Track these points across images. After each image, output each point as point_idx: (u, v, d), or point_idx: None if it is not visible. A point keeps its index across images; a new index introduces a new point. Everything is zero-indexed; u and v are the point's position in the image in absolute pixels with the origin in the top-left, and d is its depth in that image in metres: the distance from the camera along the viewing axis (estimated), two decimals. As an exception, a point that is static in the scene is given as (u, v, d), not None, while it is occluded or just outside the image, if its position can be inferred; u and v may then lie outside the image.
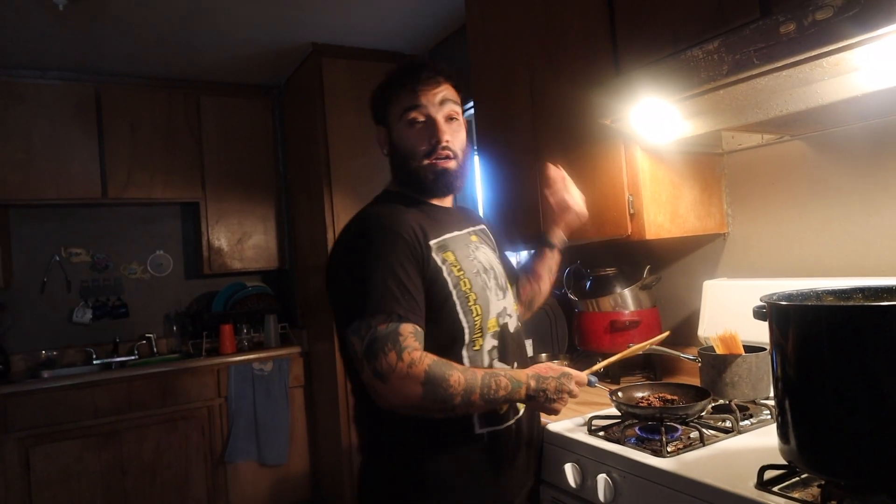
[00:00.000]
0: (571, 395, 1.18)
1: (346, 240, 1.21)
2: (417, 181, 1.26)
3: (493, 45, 2.19)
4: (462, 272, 1.20)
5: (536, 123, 2.00)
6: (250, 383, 3.28)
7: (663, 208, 1.69)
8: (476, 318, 1.19)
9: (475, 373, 1.10)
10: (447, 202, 1.34)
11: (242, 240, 3.73)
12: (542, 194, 1.54)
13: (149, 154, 3.45)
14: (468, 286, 1.19)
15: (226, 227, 3.68)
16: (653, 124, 1.53)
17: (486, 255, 1.30)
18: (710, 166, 1.81)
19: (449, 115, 1.25)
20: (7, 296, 3.29)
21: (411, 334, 1.08)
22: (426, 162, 1.24)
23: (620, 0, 1.61)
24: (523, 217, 2.08)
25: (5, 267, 3.18)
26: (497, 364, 1.23)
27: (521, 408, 1.28)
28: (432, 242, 1.18)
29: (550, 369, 1.18)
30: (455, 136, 1.26)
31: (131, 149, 3.40)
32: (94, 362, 3.40)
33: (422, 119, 1.23)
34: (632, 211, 1.66)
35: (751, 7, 1.24)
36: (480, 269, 1.24)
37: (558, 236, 1.58)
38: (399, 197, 1.28)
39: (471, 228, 1.33)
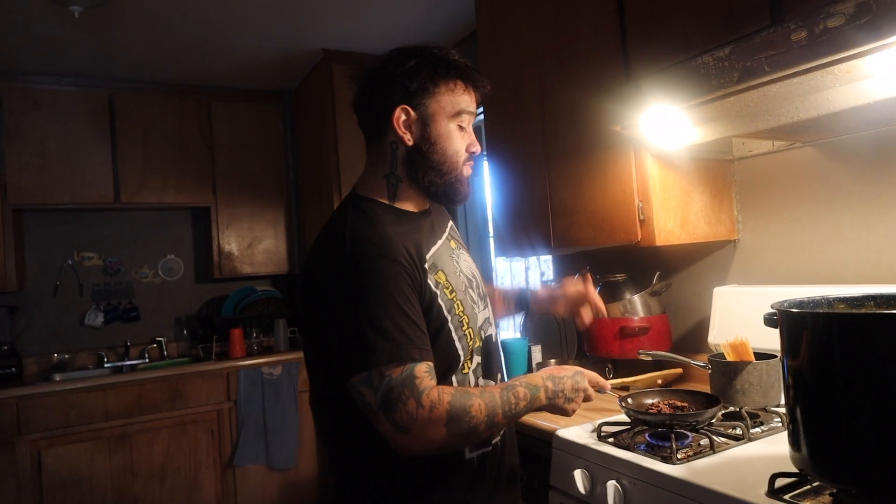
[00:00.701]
0: (587, 394, 1.16)
1: (333, 268, 1.05)
2: (444, 186, 1.16)
3: (503, 50, 2.20)
4: (454, 294, 1.12)
5: (546, 129, 2.00)
6: (259, 387, 3.29)
7: (673, 215, 1.69)
8: (470, 343, 1.13)
9: (492, 392, 1.05)
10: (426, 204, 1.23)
11: (253, 244, 3.76)
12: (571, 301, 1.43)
13: (161, 159, 3.49)
14: (461, 309, 1.12)
15: (236, 232, 3.70)
16: (663, 131, 1.53)
17: (466, 262, 1.23)
18: (720, 173, 1.81)
19: None
20: (20, 299, 3.33)
21: (426, 374, 1.00)
22: (465, 167, 1.18)
23: (631, 6, 1.62)
24: (533, 222, 2.08)
25: (19, 270, 3.21)
26: (482, 382, 1.15)
27: None
28: (427, 264, 1.10)
29: (562, 369, 1.18)
30: None
31: (144, 154, 3.45)
32: (105, 365, 3.44)
33: (465, 126, 1.18)
34: (641, 217, 1.66)
35: (762, 14, 1.24)
36: (466, 283, 1.17)
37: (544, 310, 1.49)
38: (379, 208, 1.14)
39: (446, 229, 1.25)
